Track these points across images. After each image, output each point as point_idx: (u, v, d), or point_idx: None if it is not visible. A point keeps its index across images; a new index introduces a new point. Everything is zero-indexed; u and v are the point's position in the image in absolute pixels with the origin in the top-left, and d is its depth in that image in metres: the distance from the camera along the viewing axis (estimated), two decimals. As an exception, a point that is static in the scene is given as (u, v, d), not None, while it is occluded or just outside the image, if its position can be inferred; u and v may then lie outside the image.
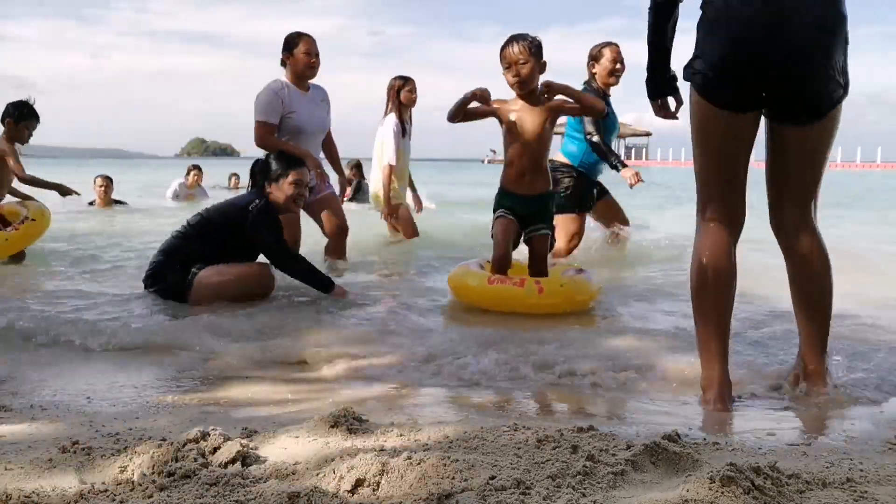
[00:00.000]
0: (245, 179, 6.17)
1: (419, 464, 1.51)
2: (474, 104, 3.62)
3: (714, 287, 2.26)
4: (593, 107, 3.69)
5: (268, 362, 2.79)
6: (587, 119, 4.84)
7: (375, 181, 6.16)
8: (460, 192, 13.83)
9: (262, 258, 4.01)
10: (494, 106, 3.65)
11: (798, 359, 2.44)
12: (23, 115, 5.17)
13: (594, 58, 4.98)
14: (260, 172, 4.01)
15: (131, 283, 4.23)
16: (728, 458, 1.61)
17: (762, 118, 2.28)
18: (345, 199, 5.20)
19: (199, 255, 3.79)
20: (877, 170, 50.34)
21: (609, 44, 4.99)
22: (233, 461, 1.62)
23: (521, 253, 3.92)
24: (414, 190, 6.69)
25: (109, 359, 2.86)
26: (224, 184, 14.44)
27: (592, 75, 4.99)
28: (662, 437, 1.70)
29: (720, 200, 2.29)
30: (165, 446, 1.65)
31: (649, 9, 2.35)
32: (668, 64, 2.39)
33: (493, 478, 1.47)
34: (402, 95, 6.00)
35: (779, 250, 2.41)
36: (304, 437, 1.79)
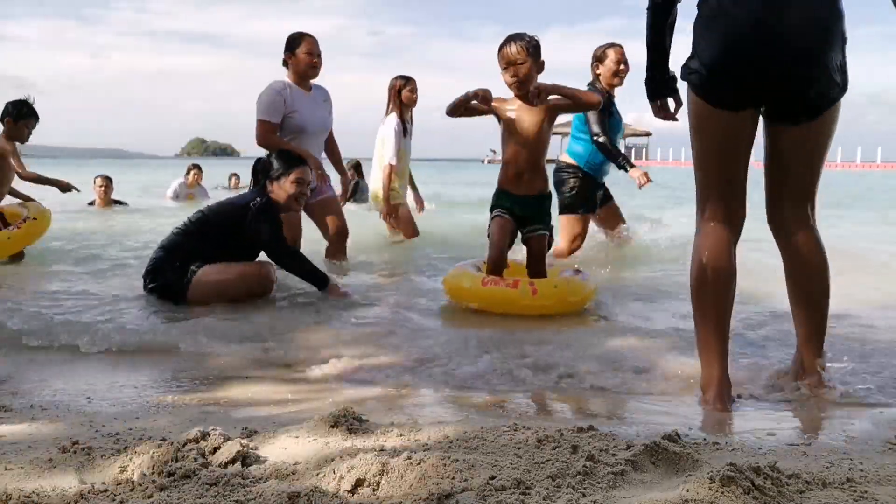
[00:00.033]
0: (245, 179, 6.18)
1: (419, 464, 1.51)
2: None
3: (714, 286, 2.27)
4: (589, 101, 3.65)
5: (268, 362, 2.79)
6: (592, 120, 4.85)
7: (375, 180, 6.17)
8: (460, 192, 13.83)
9: (261, 257, 4.01)
10: (493, 105, 3.65)
11: (795, 357, 2.44)
12: (22, 114, 5.18)
13: (598, 59, 4.99)
14: (262, 171, 4.01)
15: (131, 284, 4.22)
16: (728, 458, 1.61)
17: (760, 117, 2.28)
18: (344, 200, 5.20)
19: (199, 252, 3.79)
20: (877, 170, 50.34)
21: (613, 45, 4.99)
22: (233, 461, 1.62)
23: (520, 253, 3.92)
24: (415, 189, 6.69)
25: (109, 359, 2.86)
26: (224, 184, 14.44)
27: (597, 76, 5.00)
28: (662, 437, 1.70)
29: (720, 200, 2.29)
30: (165, 446, 1.65)
31: (647, 8, 2.35)
32: (667, 64, 2.40)
33: (493, 478, 1.47)
34: (403, 95, 6.01)
35: (778, 250, 2.42)
36: (304, 437, 1.79)
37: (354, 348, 2.94)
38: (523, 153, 3.65)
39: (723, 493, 1.36)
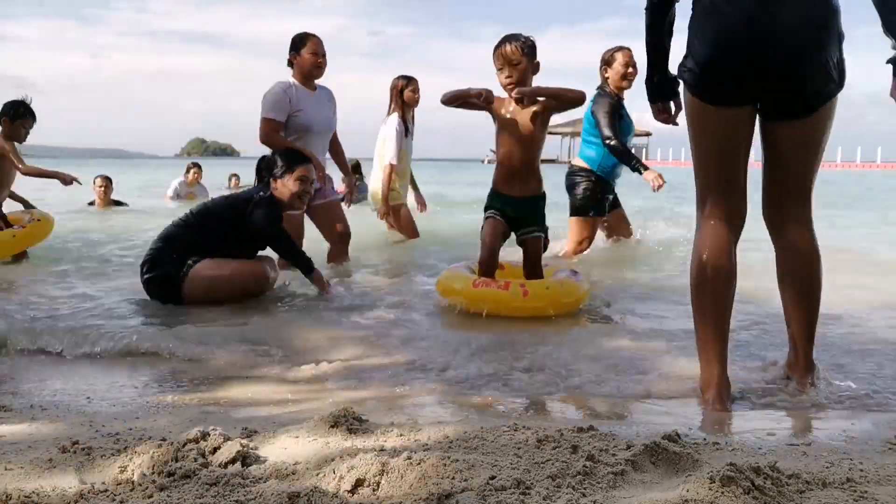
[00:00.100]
0: (245, 180, 6.17)
1: (419, 464, 1.51)
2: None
3: (713, 285, 2.26)
4: (573, 97, 3.60)
5: (268, 363, 2.78)
6: (603, 124, 4.86)
7: (376, 180, 6.17)
8: (460, 192, 13.82)
9: (261, 254, 4.01)
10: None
11: (789, 354, 2.45)
12: (19, 114, 5.19)
13: (606, 62, 5.01)
14: (266, 169, 4.01)
15: (130, 285, 4.23)
16: (728, 458, 1.61)
17: (757, 114, 2.28)
18: (349, 202, 5.20)
19: (198, 245, 3.78)
20: (877, 170, 50.34)
21: (621, 48, 5.01)
22: (233, 461, 1.62)
23: (517, 255, 3.90)
24: (416, 190, 6.69)
25: (109, 360, 2.86)
26: (224, 184, 14.44)
27: (605, 79, 5.01)
28: (662, 437, 1.70)
29: (719, 198, 2.29)
30: (165, 446, 1.65)
31: (645, 9, 2.36)
32: (666, 65, 2.40)
33: (493, 478, 1.47)
34: (405, 95, 6.01)
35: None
36: (304, 437, 1.79)
37: (354, 349, 2.94)
38: (517, 153, 3.64)
39: (723, 493, 1.36)
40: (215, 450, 1.67)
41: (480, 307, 3.52)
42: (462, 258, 4.27)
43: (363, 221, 6.16)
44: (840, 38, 2.13)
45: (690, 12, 2.25)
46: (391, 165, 5.93)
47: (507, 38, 3.55)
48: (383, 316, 3.59)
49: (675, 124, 2.46)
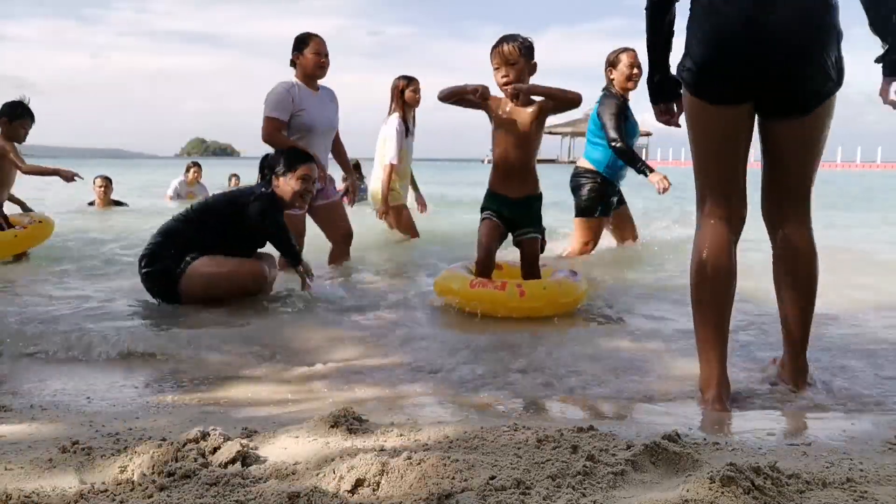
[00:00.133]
0: (245, 180, 6.17)
1: (419, 464, 1.51)
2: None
3: (713, 284, 2.26)
4: (570, 100, 3.59)
5: (268, 363, 2.78)
6: (609, 125, 4.86)
7: (376, 180, 6.17)
8: (461, 192, 13.82)
9: (260, 254, 4.00)
10: (486, 103, 3.62)
11: (783, 354, 2.45)
12: (17, 114, 5.20)
13: (612, 63, 5.01)
14: (268, 167, 4.00)
15: (130, 285, 4.23)
16: (728, 458, 1.61)
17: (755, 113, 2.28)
18: (352, 202, 5.21)
19: (197, 241, 3.77)
20: (877, 170, 50.36)
21: (626, 49, 5.01)
22: (233, 461, 1.62)
23: (516, 254, 3.90)
24: (417, 190, 6.68)
25: (109, 360, 2.85)
26: (224, 184, 14.44)
27: (610, 81, 5.02)
28: (662, 437, 1.70)
29: (718, 197, 2.29)
30: (165, 446, 1.65)
31: (645, 8, 2.36)
32: (667, 66, 2.40)
33: (493, 478, 1.47)
34: (406, 95, 6.01)
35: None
36: (304, 437, 1.79)
37: (354, 349, 2.94)
38: (513, 154, 3.63)
39: (723, 493, 1.36)
40: (215, 450, 1.67)
41: (477, 307, 3.52)
42: (462, 258, 4.27)
43: (363, 221, 6.17)
44: (838, 36, 2.13)
45: (689, 13, 2.26)
46: (391, 165, 5.93)
47: (505, 38, 3.55)
48: (383, 316, 3.60)
49: (678, 125, 2.46)
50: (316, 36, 4.65)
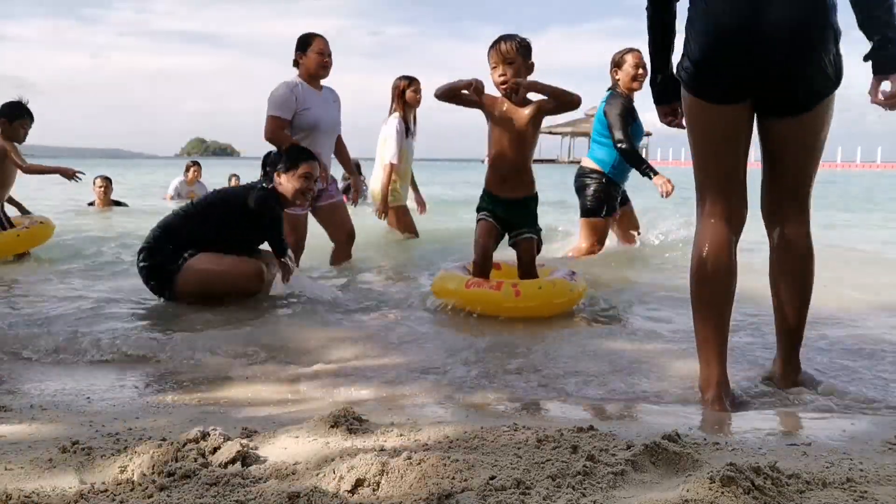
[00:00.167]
0: (245, 180, 6.15)
1: (419, 464, 1.51)
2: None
3: (713, 283, 2.26)
4: (570, 101, 3.58)
5: (267, 363, 2.78)
6: (615, 126, 4.86)
7: (376, 179, 6.17)
8: (461, 192, 13.82)
9: (260, 252, 3.99)
10: (482, 101, 3.60)
11: (776, 354, 2.45)
12: (16, 115, 5.21)
13: (617, 64, 5.02)
14: (271, 164, 3.99)
15: (130, 285, 4.23)
16: (728, 458, 1.61)
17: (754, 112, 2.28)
18: (356, 202, 5.22)
19: (196, 236, 3.76)
20: (877, 170, 50.37)
21: (631, 50, 5.01)
22: (233, 461, 1.62)
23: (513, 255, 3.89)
24: (417, 191, 6.68)
25: (109, 361, 2.85)
26: (224, 184, 14.43)
27: (616, 81, 5.01)
28: (662, 437, 1.70)
29: (718, 196, 2.29)
30: (165, 446, 1.65)
31: (646, 8, 2.36)
32: (669, 66, 2.40)
33: (493, 478, 1.47)
34: (406, 95, 6.01)
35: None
36: (304, 437, 1.79)
37: (354, 349, 2.94)
38: (509, 154, 3.62)
39: (723, 493, 1.36)
40: (215, 450, 1.67)
41: (473, 307, 3.52)
42: (462, 258, 4.27)
43: (363, 222, 6.17)
44: (836, 34, 2.13)
45: (686, 14, 2.26)
46: (391, 165, 5.93)
47: (503, 38, 3.54)
48: (383, 316, 3.60)
49: (682, 127, 2.46)
50: (319, 36, 4.66)
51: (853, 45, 2.21)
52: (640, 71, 4.94)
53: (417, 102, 6.07)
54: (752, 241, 2.64)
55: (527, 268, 3.72)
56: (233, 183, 14.35)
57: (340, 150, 5.02)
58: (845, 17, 2.16)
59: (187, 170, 11.50)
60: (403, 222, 6.27)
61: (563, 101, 3.56)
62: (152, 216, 8.30)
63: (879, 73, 2.10)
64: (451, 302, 3.61)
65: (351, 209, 5.10)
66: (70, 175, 5.69)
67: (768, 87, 2.17)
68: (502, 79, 3.53)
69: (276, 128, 4.43)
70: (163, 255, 3.74)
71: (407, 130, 6.06)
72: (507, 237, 3.77)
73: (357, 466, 1.51)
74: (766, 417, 2.19)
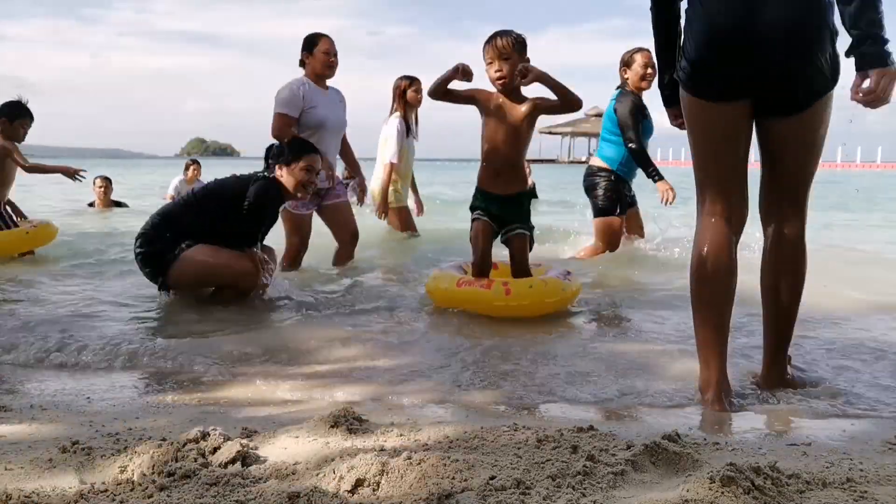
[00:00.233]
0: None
1: (419, 464, 1.51)
2: (455, 85, 3.56)
3: (713, 283, 2.26)
4: (572, 101, 3.55)
5: (267, 363, 2.78)
6: (626, 125, 4.86)
7: (376, 179, 6.17)
8: (461, 192, 13.81)
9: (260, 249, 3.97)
10: (477, 97, 3.60)
11: (764, 354, 2.45)
12: (16, 114, 5.21)
13: (626, 63, 5.02)
14: (274, 157, 3.96)
15: (129, 285, 4.23)
16: (728, 458, 1.61)
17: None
18: (361, 202, 5.22)
19: (196, 226, 3.73)
20: (877, 170, 50.40)
21: (640, 49, 5.02)
22: (233, 461, 1.62)
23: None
24: (416, 192, 6.68)
25: (108, 361, 2.85)
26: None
27: (625, 80, 5.02)
28: (662, 437, 1.70)
29: (718, 195, 2.29)
30: (165, 446, 1.65)
31: (650, 9, 2.37)
32: (675, 67, 2.40)
33: (493, 478, 1.47)
34: (408, 95, 6.01)
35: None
36: (304, 437, 1.79)
37: (354, 349, 2.94)
38: (502, 148, 3.60)
39: (723, 493, 1.36)
40: (215, 450, 1.67)
41: (464, 307, 3.51)
42: (463, 258, 4.27)
43: (364, 221, 6.18)
44: (832, 34, 2.13)
45: (684, 15, 2.27)
46: (391, 164, 5.93)
47: (499, 33, 3.53)
48: (383, 316, 3.59)
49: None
50: (325, 36, 4.68)
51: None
52: (650, 70, 4.95)
53: (418, 102, 6.07)
54: (752, 240, 2.64)
55: (519, 265, 3.69)
56: (233, 183, 14.35)
57: (345, 150, 5.03)
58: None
59: (187, 168, 11.49)
60: (404, 222, 6.27)
61: (565, 99, 3.55)
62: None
63: (859, 69, 2.09)
64: (443, 302, 3.60)
65: (356, 209, 5.10)
66: (72, 174, 5.69)
67: (768, 87, 2.17)
68: (498, 74, 3.52)
69: (284, 125, 4.44)
70: (161, 242, 3.71)
71: (408, 130, 6.06)
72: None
73: (357, 466, 1.51)
74: (767, 417, 2.19)
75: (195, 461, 1.60)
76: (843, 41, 2.15)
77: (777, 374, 2.40)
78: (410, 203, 6.52)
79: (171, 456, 1.61)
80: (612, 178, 5.05)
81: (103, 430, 1.92)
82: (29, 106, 5.34)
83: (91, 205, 9.67)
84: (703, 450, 1.75)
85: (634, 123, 4.87)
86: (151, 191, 14.26)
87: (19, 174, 5.50)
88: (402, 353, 2.89)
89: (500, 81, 3.53)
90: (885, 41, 2.02)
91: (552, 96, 3.55)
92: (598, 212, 5.12)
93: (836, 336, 3.15)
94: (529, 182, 3.91)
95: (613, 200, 5.07)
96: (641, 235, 5.53)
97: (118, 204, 9.94)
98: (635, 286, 4.42)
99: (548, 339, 3.11)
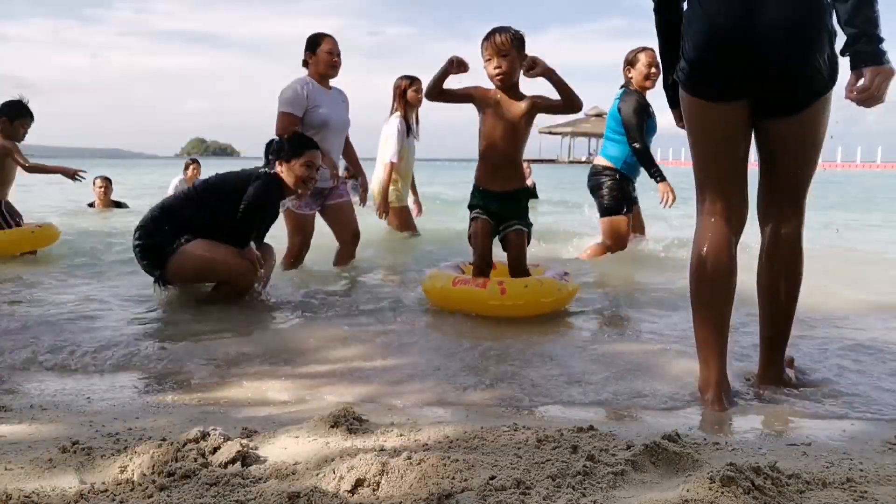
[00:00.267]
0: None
1: (419, 464, 1.51)
2: (453, 84, 3.56)
3: (713, 283, 2.26)
4: (573, 102, 3.55)
5: (267, 363, 2.78)
6: (631, 124, 4.86)
7: (377, 179, 6.17)
8: (462, 192, 13.75)
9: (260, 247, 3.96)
10: (474, 91, 3.60)
11: (760, 355, 2.45)
12: (17, 114, 5.22)
13: (630, 62, 5.03)
14: (274, 152, 3.94)
15: (129, 285, 4.23)
16: (728, 458, 1.61)
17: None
18: (363, 202, 5.23)
19: (196, 220, 3.71)
20: (877, 170, 50.39)
21: (644, 49, 5.02)
22: (233, 461, 1.62)
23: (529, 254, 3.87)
24: (415, 193, 6.68)
25: (108, 360, 2.85)
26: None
27: (629, 79, 5.02)
28: (662, 437, 1.70)
29: (718, 195, 2.29)
30: (165, 446, 1.65)
31: (653, 11, 2.37)
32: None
33: (493, 478, 1.47)
34: (408, 95, 6.01)
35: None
36: (304, 437, 1.79)
37: (354, 349, 2.94)
38: (500, 145, 3.59)
39: (723, 493, 1.36)
40: (215, 450, 1.67)
41: (459, 306, 3.50)
42: (463, 258, 4.26)
43: (364, 221, 6.18)
44: (830, 35, 2.13)
45: (685, 16, 2.27)
46: (391, 164, 5.93)
47: (497, 30, 3.52)
48: (383, 316, 3.59)
49: None
50: (328, 36, 4.69)
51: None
52: (653, 70, 4.95)
53: (419, 102, 6.07)
54: (752, 240, 2.65)
55: (517, 262, 3.68)
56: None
57: (348, 150, 5.04)
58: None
59: (186, 168, 11.48)
60: (404, 222, 6.27)
61: (567, 99, 3.54)
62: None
63: (854, 67, 2.09)
64: (439, 301, 3.60)
65: (358, 209, 5.10)
66: (71, 174, 5.70)
67: (768, 87, 2.17)
68: (497, 71, 3.51)
69: (288, 124, 4.44)
70: (160, 235, 3.71)
71: (408, 130, 6.06)
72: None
73: (357, 466, 1.51)
74: (767, 417, 2.19)
75: (195, 461, 1.60)
76: (841, 42, 2.16)
77: (774, 374, 2.40)
78: (409, 203, 6.52)
79: (171, 456, 1.61)
80: (617, 176, 5.05)
81: (103, 430, 1.92)
82: (29, 106, 5.34)
83: (91, 205, 9.66)
84: (703, 450, 1.75)
85: (638, 123, 4.87)
86: (151, 191, 14.25)
87: (19, 174, 5.51)
88: (402, 353, 2.89)
89: (498, 78, 3.53)
90: (881, 39, 2.02)
91: (552, 95, 3.55)
92: (605, 211, 5.12)
93: (835, 336, 3.15)
94: (530, 182, 3.92)
95: (619, 199, 5.06)
96: (643, 234, 5.53)
97: (118, 204, 9.93)
98: (636, 286, 4.42)
99: (548, 338, 3.11)
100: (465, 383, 2.53)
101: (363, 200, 5.22)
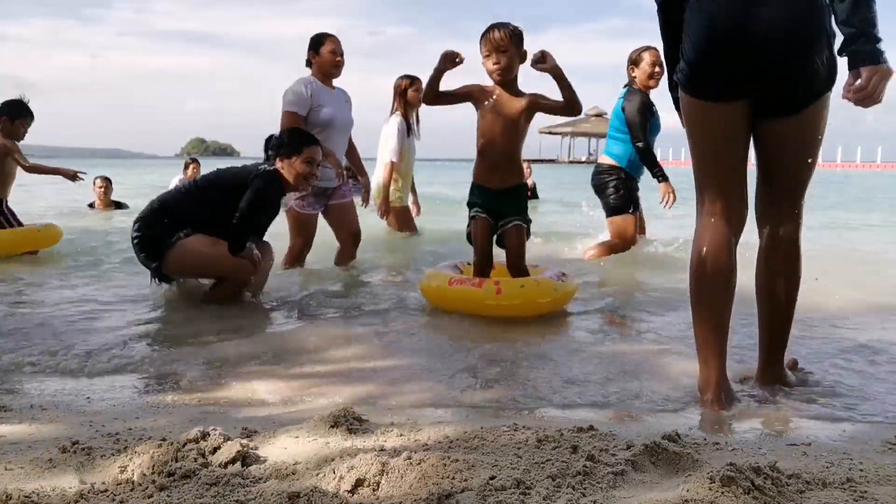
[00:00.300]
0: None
1: (419, 464, 1.51)
2: (450, 84, 3.56)
3: (712, 283, 2.26)
4: (573, 103, 3.54)
5: (267, 363, 2.78)
6: (635, 124, 4.87)
7: (377, 178, 6.18)
8: (462, 192, 13.75)
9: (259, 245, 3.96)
10: (472, 89, 3.59)
11: (760, 356, 2.45)
12: (17, 113, 5.22)
13: (634, 62, 5.04)
14: (274, 147, 3.91)
15: (129, 285, 4.23)
16: (728, 458, 1.61)
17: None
18: (365, 203, 5.24)
19: (195, 215, 3.70)
20: (877, 170, 50.40)
21: (648, 48, 5.03)
22: (233, 461, 1.62)
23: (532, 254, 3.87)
24: (414, 193, 6.68)
25: (108, 361, 2.85)
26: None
27: (632, 79, 5.03)
28: (662, 437, 1.70)
29: (718, 195, 2.29)
30: (165, 446, 1.65)
31: (657, 12, 2.37)
32: None
33: (493, 478, 1.47)
34: (408, 95, 6.02)
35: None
36: (304, 437, 1.79)
37: (354, 349, 2.94)
38: (499, 141, 3.58)
39: (723, 493, 1.36)
40: (215, 450, 1.67)
41: (456, 306, 3.50)
42: (464, 258, 4.26)
43: (364, 221, 6.18)
44: (829, 36, 2.13)
45: (685, 17, 2.27)
46: (391, 163, 5.93)
47: (495, 26, 3.51)
48: (383, 316, 3.59)
49: None
50: (332, 36, 4.70)
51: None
52: (657, 69, 4.95)
53: (419, 102, 6.07)
54: (752, 240, 2.65)
55: (515, 258, 3.66)
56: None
57: (351, 150, 5.05)
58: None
59: (186, 167, 11.48)
60: (404, 222, 6.27)
61: (569, 100, 3.53)
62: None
63: (852, 67, 2.09)
64: (435, 301, 3.60)
65: (358, 209, 5.10)
66: (71, 176, 5.70)
67: (768, 87, 2.17)
68: (496, 66, 3.51)
69: (293, 123, 4.44)
70: (159, 227, 3.69)
71: (409, 129, 6.07)
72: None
73: (357, 466, 1.51)
74: (766, 417, 2.18)
75: (195, 461, 1.60)
76: (840, 43, 2.16)
77: (773, 374, 2.40)
78: (409, 203, 6.53)
79: (171, 456, 1.61)
80: (622, 175, 5.06)
81: (103, 430, 1.92)
82: (29, 105, 5.35)
83: (91, 205, 9.66)
84: (703, 450, 1.75)
85: (642, 122, 4.87)
86: (152, 191, 14.26)
87: (19, 174, 5.51)
88: (402, 354, 2.89)
89: (497, 73, 3.52)
90: (878, 39, 2.02)
91: (552, 95, 3.55)
92: (611, 211, 5.12)
93: (835, 336, 3.15)
94: (530, 183, 3.92)
95: (626, 198, 5.07)
96: (643, 233, 5.54)
97: (118, 205, 9.93)
98: (637, 286, 4.42)
99: (548, 339, 3.11)
100: (465, 383, 2.53)
101: (365, 201, 5.22)
